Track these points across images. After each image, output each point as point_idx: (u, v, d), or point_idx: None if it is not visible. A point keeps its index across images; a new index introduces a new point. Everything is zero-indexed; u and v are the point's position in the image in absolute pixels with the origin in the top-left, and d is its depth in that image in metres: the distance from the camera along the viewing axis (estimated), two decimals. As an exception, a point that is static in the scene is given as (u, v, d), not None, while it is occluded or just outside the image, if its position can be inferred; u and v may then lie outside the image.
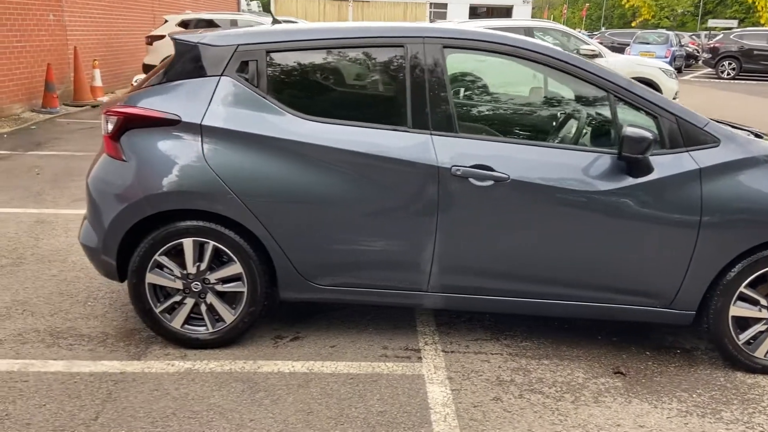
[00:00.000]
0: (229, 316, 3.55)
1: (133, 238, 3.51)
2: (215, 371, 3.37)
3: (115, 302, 4.19)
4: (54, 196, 6.65)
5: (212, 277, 3.50)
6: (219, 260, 3.55)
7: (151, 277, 3.50)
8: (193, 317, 3.60)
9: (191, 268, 3.49)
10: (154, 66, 8.66)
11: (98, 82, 13.59)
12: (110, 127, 3.48)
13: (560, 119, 3.88)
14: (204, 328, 3.58)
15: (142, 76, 5.78)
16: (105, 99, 13.16)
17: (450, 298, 3.50)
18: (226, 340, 3.60)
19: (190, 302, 3.55)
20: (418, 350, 3.63)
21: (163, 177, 3.37)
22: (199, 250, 3.47)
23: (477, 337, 3.80)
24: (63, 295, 4.28)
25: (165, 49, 12.89)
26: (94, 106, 12.91)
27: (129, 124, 3.43)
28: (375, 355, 3.57)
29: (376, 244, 3.43)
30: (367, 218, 3.38)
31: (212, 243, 3.45)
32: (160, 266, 3.51)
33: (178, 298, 3.54)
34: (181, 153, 3.38)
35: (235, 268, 3.48)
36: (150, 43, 14.57)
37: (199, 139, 3.37)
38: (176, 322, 3.57)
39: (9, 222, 5.75)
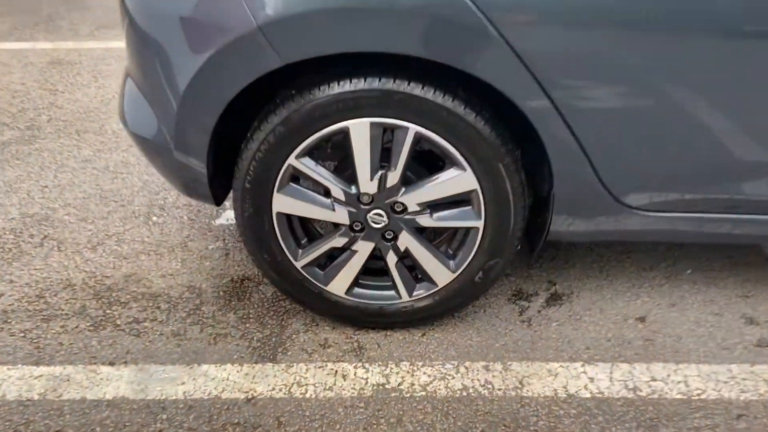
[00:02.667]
0: (442, 274, 1.75)
1: (230, 126, 1.65)
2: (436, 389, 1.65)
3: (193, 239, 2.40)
4: (71, 22, 4.64)
5: (410, 200, 1.64)
6: (423, 166, 1.69)
7: (279, 201, 1.67)
8: (365, 281, 1.82)
9: (364, 181, 1.62)
10: None
11: None
12: None
13: None
14: (391, 294, 1.81)
15: None
16: None
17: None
18: (432, 315, 1.83)
19: (363, 250, 1.73)
20: None
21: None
22: (380, 143, 1.58)
23: None
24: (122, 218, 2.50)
25: None
26: None
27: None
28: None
29: (740, 137, 1.49)
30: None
31: (415, 128, 1.54)
32: (294, 178, 1.66)
33: (336, 241, 1.73)
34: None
35: (462, 180, 1.60)
36: None
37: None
38: (336, 285, 1.79)
39: (13, 65, 3.85)
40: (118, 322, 1.90)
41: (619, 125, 1.52)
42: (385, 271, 1.78)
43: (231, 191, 1.77)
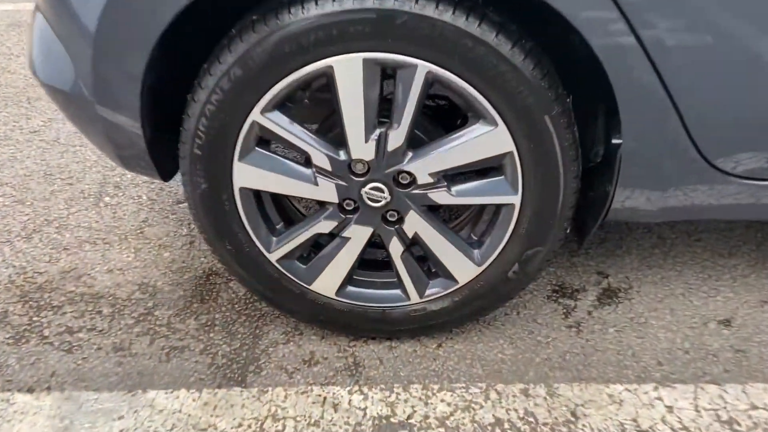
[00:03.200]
0: (464, 267, 1.30)
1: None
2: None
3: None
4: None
5: (419, 168, 1.19)
6: (436, 121, 1.25)
7: (242, 173, 1.22)
8: (361, 277, 1.38)
9: (356, 143, 1.17)
10: None
11: None
12: None
13: None
14: (397, 294, 1.36)
15: None
16: None
17: None
18: (451, 321, 1.38)
19: (358, 237, 1.29)
20: None
21: None
22: (378, 90, 1.13)
23: None
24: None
25: None
26: None
27: None
28: None
29: None
30: None
31: (426, 66, 1.09)
32: (261, 141, 1.21)
33: (321, 226, 1.28)
34: None
35: (491, 139, 1.15)
36: None
37: None
38: (324, 284, 1.35)
39: (-34, 28, 3.40)
40: (46, 333, 1.48)
41: (727, 68, 1.06)
42: (387, 264, 1.35)
43: (180, 161, 1.33)
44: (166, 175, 1.37)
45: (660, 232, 1.72)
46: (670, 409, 1.24)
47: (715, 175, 1.17)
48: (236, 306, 1.54)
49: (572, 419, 1.23)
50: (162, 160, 1.33)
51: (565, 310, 1.48)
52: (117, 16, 1.09)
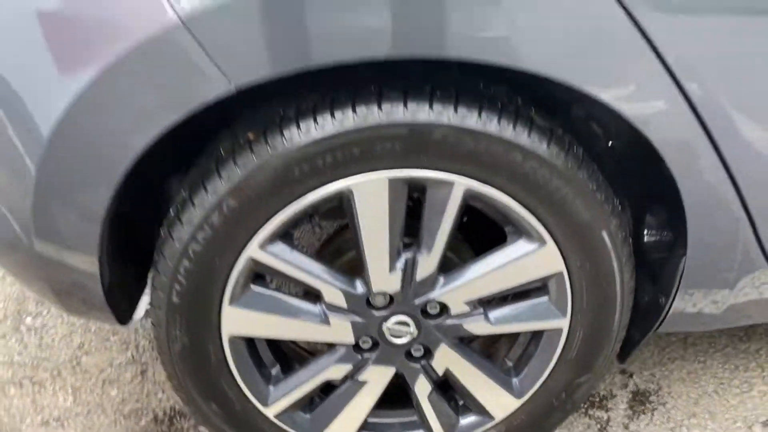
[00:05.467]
0: (501, 400, 1.10)
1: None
2: None
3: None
4: None
5: (453, 296, 0.99)
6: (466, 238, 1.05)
7: (233, 319, 0.97)
8: (377, 418, 1.14)
9: (381, 278, 0.96)
10: None
11: None
12: None
13: None
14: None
15: None
16: None
17: None
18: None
19: (376, 380, 1.06)
20: None
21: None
22: (404, 210, 0.93)
23: None
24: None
25: None
26: None
27: None
28: None
29: None
30: None
31: (465, 183, 0.90)
32: (257, 277, 0.98)
33: (332, 371, 1.05)
34: None
35: (538, 258, 0.97)
36: None
37: None
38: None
39: None
40: None
41: None
42: (406, 396, 1.13)
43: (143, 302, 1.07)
44: (123, 318, 1.09)
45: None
46: None
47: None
48: (214, 458, 1.26)
49: None
50: (119, 301, 1.05)
51: (599, 426, 1.31)
52: (82, 126, 0.83)
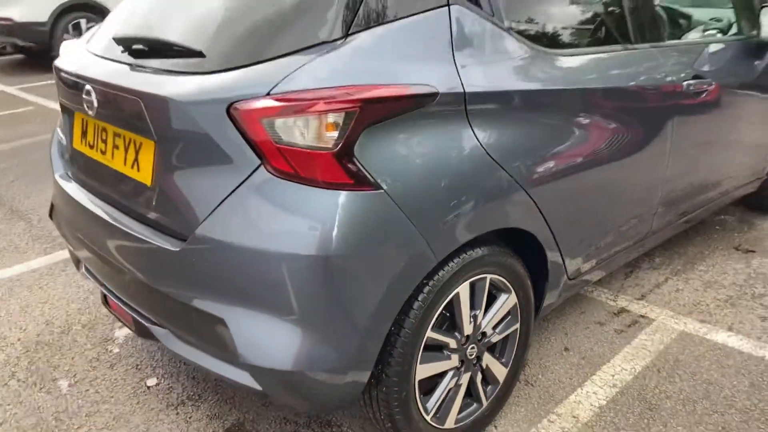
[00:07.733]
0: (499, 373, 2.37)
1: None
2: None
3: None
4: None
5: (486, 326, 2.25)
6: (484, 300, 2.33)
7: (422, 369, 2.05)
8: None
9: (467, 326, 2.16)
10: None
11: None
12: (321, 132, 1.72)
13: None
14: (474, 407, 2.33)
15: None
16: None
17: (660, 235, 3.19)
18: (491, 414, 2.41)
19: (465, 380, 2.23)
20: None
21: (449, 196, 1.93)
22: (471, 293, 2.16)
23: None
24: None
25: None
26: None
27: (368, 116, 1.76)
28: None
29: (625, 198, 2.72)
30: (626, 169, 2.65)
31: (489, 276, 2.18)
32: (428, 346, 2.07)
33: (451, 381, 2.18)
34: (452, 146, 1.95)
35: (510, 300, 2.30)
36: None
37: (464, 115, 1.98)
38: (450, 421, 2.22)
39: None
40: None
41: (576, 223, 2.48)
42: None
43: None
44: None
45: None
46: None
47: (569, 283, 2.58)
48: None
49: None
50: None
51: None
52: (392, 298, 1.84)
